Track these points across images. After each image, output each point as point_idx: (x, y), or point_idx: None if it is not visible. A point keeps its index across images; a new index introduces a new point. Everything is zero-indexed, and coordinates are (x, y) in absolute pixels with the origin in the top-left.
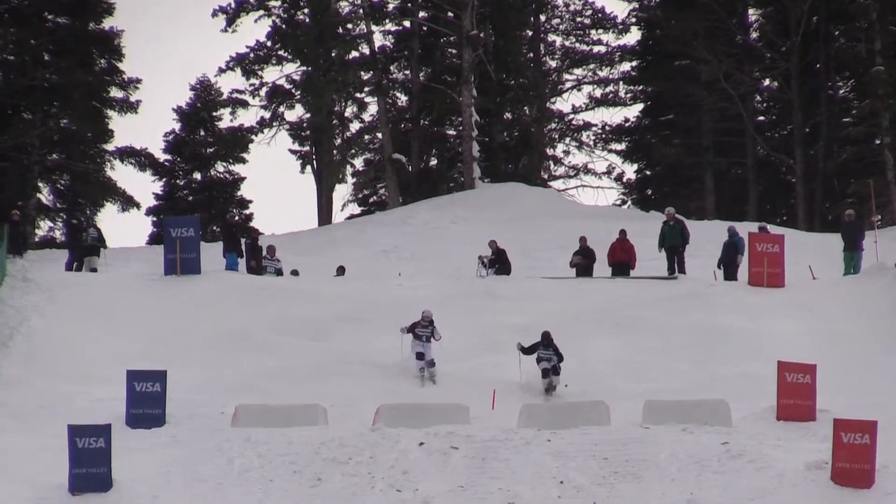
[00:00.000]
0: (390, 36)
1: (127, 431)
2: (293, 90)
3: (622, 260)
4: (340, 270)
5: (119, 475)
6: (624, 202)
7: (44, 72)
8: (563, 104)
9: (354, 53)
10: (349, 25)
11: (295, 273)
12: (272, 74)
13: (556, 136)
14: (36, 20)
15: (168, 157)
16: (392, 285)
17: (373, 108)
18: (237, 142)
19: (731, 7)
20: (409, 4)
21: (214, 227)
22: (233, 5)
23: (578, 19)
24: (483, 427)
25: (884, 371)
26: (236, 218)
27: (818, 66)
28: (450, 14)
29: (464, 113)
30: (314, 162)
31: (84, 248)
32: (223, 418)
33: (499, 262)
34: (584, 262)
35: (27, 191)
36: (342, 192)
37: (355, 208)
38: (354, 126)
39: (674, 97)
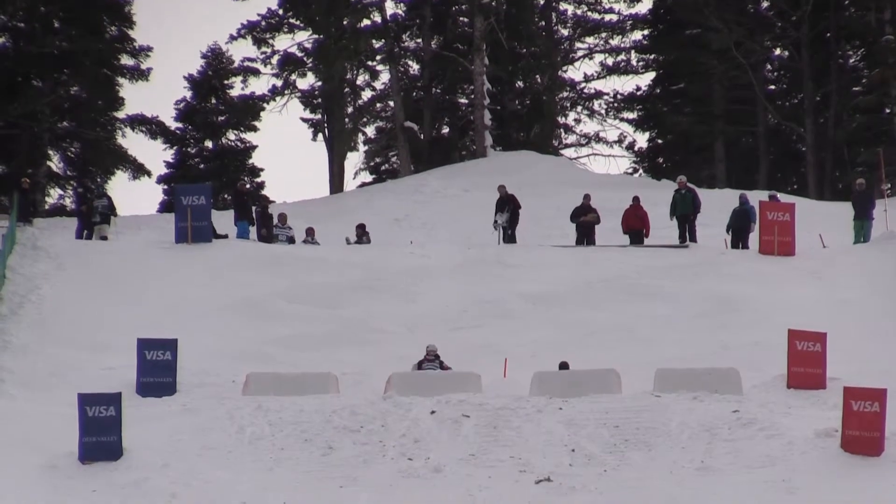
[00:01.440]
0: (402, 4)
1: (137, 400)
2: (305, 58)
3: (636, 227)
4: (360, 228)
5: (129, 443)
6: (635, 171)
7: (54, 39)
8: (574, 73)
9: (366, 22)
10: None
11: (310, 232)
12: (284, 42)
13: (568, 105)
14: None
15: (179, 125)
16: (404, 253)
17: (385, 77)
18: (249, 110)
19: None
20: None
21: (226, 196)
22: None
23: None
24: (494, 395)
25: (893, 339)
26: (247, 186)
27: (828, 35)
28: None
29: (475, 81)
30: (326, 130)
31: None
32: (234, 386)
33: (509, 206)
34: (593, 216)
35: (37, 158)
36: (354, 160)
37: (367, 176)
38: (366, 94)
39: (685, 66)
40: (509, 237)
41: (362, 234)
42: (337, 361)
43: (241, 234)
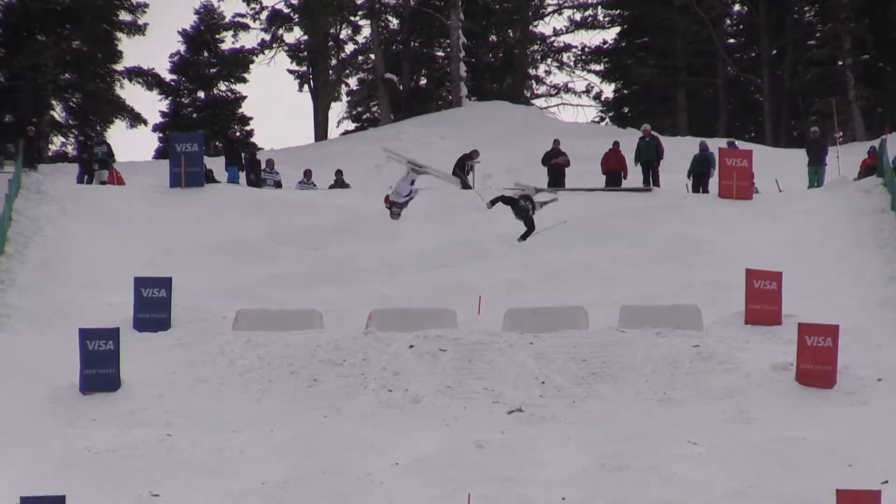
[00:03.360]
0: None
1: (134, 335)
2: (292, 14)
3: (615, 168)
4: (338, 174)
5: (127, 376)
6: (602, 119)
7: None
8: (545, 27)
9: None
10: None
11: (307, 174)
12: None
13: (539, 58)
14: None
15: (173, 77)
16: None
17: (366, 31)
18: (238, 63)
19: None
20: None
21: (217, 143)
22: None
23: None
24: (469, 331)
25: (845, 278)
26: (237, 134)
27: None
28: None
29: (451, 35)
30: (311, 82)
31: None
32: (225, 322)
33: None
34: (564, 159)
35: (41, 108)
36: (337, 109)
37: (350, 125)
38: (349, 48)
39: (649, 20)
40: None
41: (340, 180)
42: (321, 299)
43: (231, 179)
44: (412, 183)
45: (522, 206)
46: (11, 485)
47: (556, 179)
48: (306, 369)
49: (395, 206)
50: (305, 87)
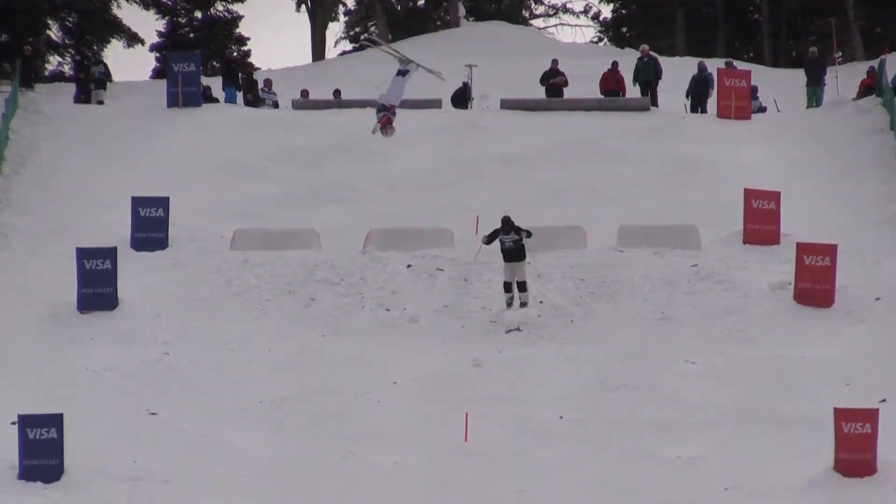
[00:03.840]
0: None
1: (131, 254)
2: None
3: (613, 88)
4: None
5: (124, 295)
6: (600, 40)
7: None
8: None
9: None
10: None
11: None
12: None
13: None
14: None
15: None
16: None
17: None
18: None
19: None
20: None
21: (214, 63)
22: None
23: None
24: (466, 250)
25: (843, 198)
26: (234, 54)
27: None
28: None
29: None
30: (308, 1)
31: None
32: (222, 242)
33: None
34: (562, 78)
35: (38, 27)
36: (335, 29)
37: (347, 45)
38: None
39: None
40: None
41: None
42: (319, 219)
43: (228, 99)
44: (404, 74)
45: (509, 246)
46: (10, 403)
47: (555, 94)
48: (304, 289)
49: (387, 113)
50: (303, 6)
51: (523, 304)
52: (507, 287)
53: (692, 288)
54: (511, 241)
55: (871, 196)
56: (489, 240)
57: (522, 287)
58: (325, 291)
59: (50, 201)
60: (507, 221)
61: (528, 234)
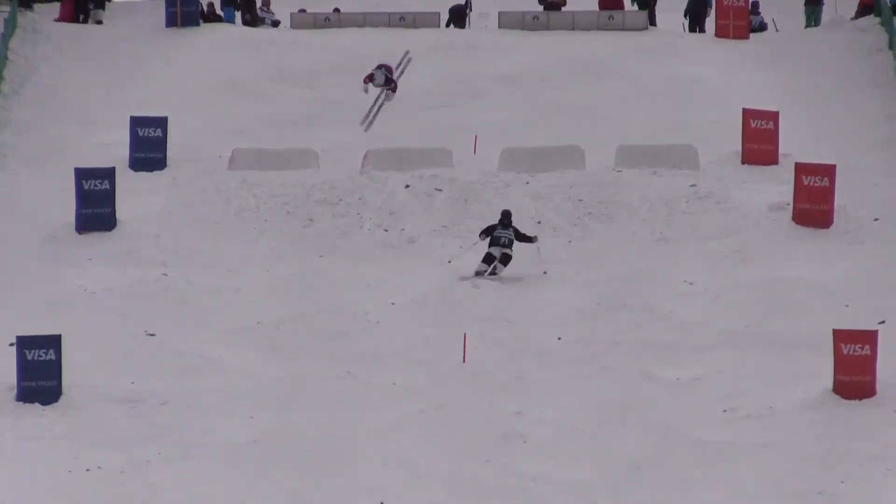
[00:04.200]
0: None
1: (130, 174)
2: None
3: (612, 7)
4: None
5: (123, 215)
6: None
7: None
8: None
9: None
10: None
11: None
12: None
13: None
14: None
15: None
16: (380, 38)
17: None
18: None
19: None
20: None
21: None
22: None
23: None
24: (465, 170)
25: (842, 118)
26: None
27: None
28: None
29: None
30: None
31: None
32: (221, 162)
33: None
34: None
35: None
36: None
37: None
38: None
39: None
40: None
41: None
42: (317, 139)
43: (227, 19)
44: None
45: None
46: (8, 324)
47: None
48: (302, 209)
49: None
50: None
51: (494, 274)
52: (489, 259)
53: (690, 208)
54: (507, 238)
55: (869, 116)
56: (486, 235)
57: (504, 263)
58: (323, 212)
59: (48, 121)
60: (506, 216)
61: (531, 240)
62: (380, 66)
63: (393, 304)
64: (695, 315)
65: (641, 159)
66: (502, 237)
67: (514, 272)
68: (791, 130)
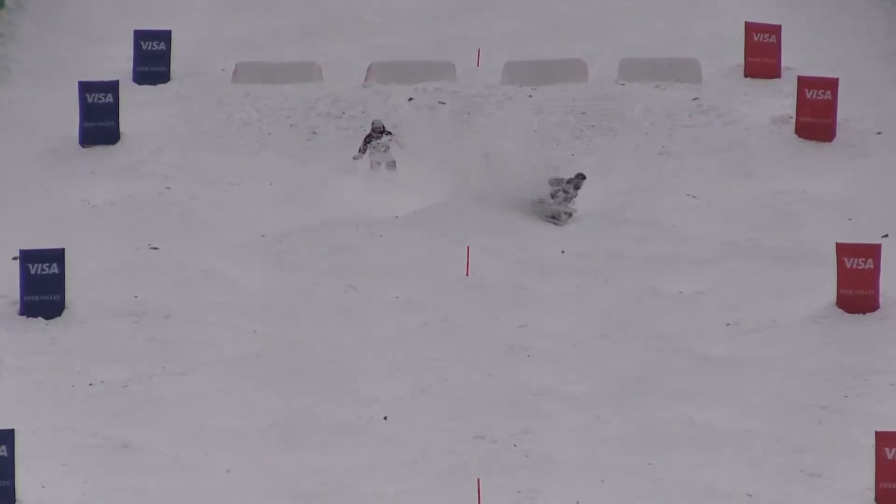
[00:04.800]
0: None
1: (133, 87)
2: None
3: None
4: None
5: (126, 129)
6: None
7: None
8: None
9: None
10: None
11: None
12: None
13: None
14: None
15: None
16: None
17: None
18: None
19: None
20: None
21: None
22: None
23: None
24: (468, 83)
25: (845, 30)
26: None
27: None
28: None
29: None
30: None
31: None
32: (224, 75)
33: None
34: None
35: None
36: None
37: None
38: None
39: None
40: None
41: None
42: (320, 51)
43: None
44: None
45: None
46: (11, 238)
47: None
48: (305, 122)
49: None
50: None
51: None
52: None
53: (693, 121)
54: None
55: (871, 29)
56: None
57: None
58: (326, 125)
59: (52, 35)
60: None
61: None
62: (371, 134)
63: (396, 217)
64: (697, 229)
65: (644, 72)
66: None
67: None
68: (794, 43)
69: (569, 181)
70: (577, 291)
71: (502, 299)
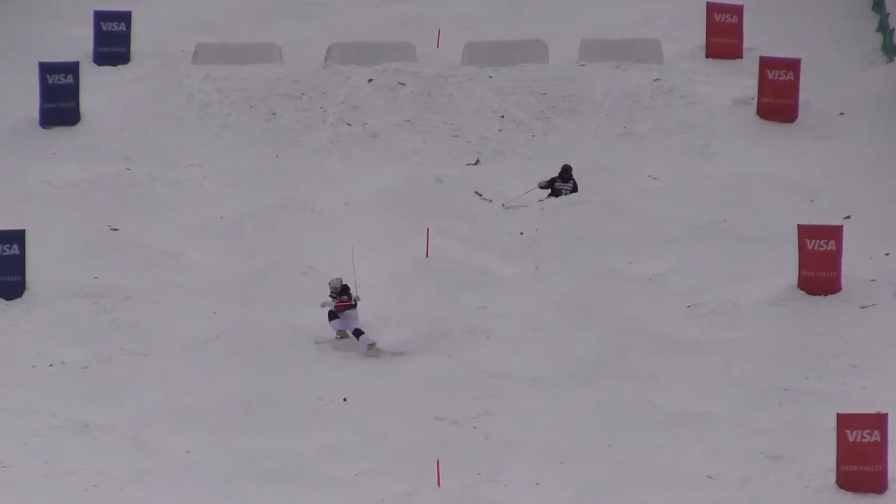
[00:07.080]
0: None
1: (94, 68)
2: None
3: None
4: None
5: (86, 110)
6: None
7: None
8: None
9: None
10: None
11: None
12: None
13: None
14: None
15: None
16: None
17: None
18: None
19: None
20: None
21: None
22: None
23: None
24: (428, 64)
25: (806, 12)
26: None
27: None
28: None
29: None
30: None
31: None
32: (184, 56)
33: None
34: None
35: None
36: None
37: None
38: None
39: None
40: None
41: None
42: (280, 32)
43: None
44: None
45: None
46: None
47: None
48: (265, 103)
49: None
50: None
51: None
52: None
53: (654, 102)
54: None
55: (834, 10)
56: (548, 185)
57: None
58: (286, 106)
59: (12, 15)
60: (566, 170)
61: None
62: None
63: (354, 199)
64: (658, 210)
65: (605, 53)
66: (563, 190)
67: (484, 168)
68: (756, 24)
69: (560, 177)
70: (536, 273)
71: (462, 280)
